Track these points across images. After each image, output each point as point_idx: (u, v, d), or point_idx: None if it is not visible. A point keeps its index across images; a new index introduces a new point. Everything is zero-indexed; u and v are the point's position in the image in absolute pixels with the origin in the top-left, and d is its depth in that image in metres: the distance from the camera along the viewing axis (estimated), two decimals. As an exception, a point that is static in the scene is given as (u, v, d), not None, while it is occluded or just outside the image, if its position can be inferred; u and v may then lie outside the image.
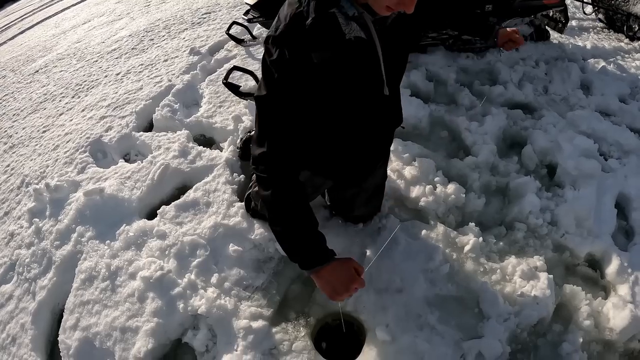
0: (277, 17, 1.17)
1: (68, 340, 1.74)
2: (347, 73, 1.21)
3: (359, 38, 1.13)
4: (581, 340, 1.55)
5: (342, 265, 1.27)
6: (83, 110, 3.46)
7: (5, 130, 3.81)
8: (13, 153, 3.33)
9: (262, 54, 1.19)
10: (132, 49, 4.49)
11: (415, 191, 2.05)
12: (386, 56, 1.23)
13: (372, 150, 1.55)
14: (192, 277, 1.79)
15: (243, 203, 2.01)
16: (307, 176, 1.50)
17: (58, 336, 1.79)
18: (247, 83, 2.60)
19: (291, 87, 1.16)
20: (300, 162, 1.30)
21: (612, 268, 1.78)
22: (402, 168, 2.17)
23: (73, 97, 3.86)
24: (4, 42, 8.20)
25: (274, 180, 1.23)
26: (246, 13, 4.00)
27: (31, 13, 10.28)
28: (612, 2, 3.99)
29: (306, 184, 1.37)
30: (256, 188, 1.76)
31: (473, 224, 1.91)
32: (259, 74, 1.26)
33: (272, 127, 1.21)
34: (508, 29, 1.70)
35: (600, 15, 4.20)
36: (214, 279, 1.78)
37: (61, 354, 1.73)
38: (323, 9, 1.09)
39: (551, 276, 1.68)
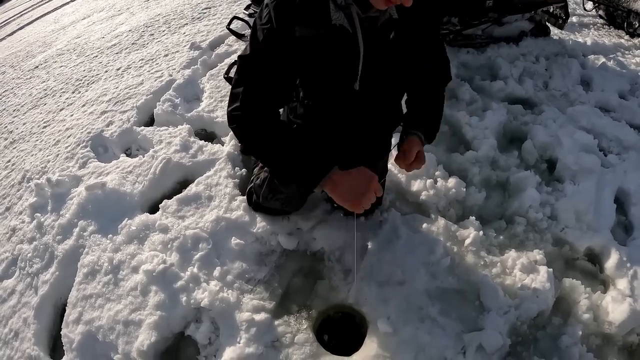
0: None
1: (71, 334, 1.75)
2: (323, 56, 1.24)
3: (343, 27, 1.16)
4: (580, 333, 1.56)
5: (355, 170, 1.28)
6: (84, 105, 3.46)
7: (6, 126, 3.80)
8: (14, 148, 3.32)
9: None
10: (133, 44, 4.47)
11: (416, 185, 2.06)
12: (369, 54, 1.24)
13: (356, 142, 1.54)
14: (195, 270, 1.80)
15: (245, 197, 2.02)
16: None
17: (61, 330, 1.79)
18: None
19: (272, 52, 1.21)
20: (276, 117, 1.31)
21: (611, 262, 1.79)
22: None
23: (73, 92, 3.85)
24: (3, 38, 8.16)
25: (249, 123, 1.25)
26: (247, 8, 4.00)
27: (30, 9, 10.23)
28: (613, -2, 4.00)
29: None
30: (258, 181, 1.77)
31: (473, 217, 1.92)
32: None
33: (249, 83, 1.24)
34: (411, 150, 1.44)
35: (601, 12, 4.20)
36: (216, 272, 1.78)
37: (64, 347, 1.74)
38: None
39: (551, 270, 1.69)
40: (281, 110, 1.59)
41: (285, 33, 1.18)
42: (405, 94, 1.58)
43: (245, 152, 1.34)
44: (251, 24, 4.05)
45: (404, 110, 1.61)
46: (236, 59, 1.30)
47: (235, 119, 1.27)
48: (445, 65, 1.54)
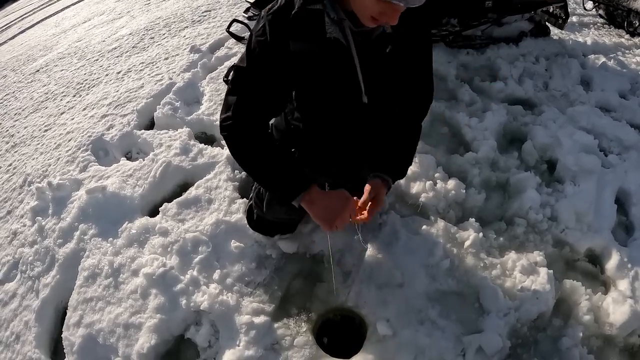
0: None
1: (72, 337, 1.75)
2: (320, 70, 1.25)
3: (338, 40, 1.17)
4: (581, 335, 1.56)
5: (334, 192, 1.32)
6: (84, 108, 3.47)
7: (7, 130, 3.82)
8: (15, 152, 3.34)
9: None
10: (133, 47, 4.48)
11: (415, 187, 2.05)
12: (366, 67, 1.25)
13: (355, 152, 1.55)
14: (195, 273, 1.80)
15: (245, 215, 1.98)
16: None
17: (62, 333, 1.80)
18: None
19: (266, 65, 1.22)
20: (265, 130, 1.33)
21: (612, 263, 1.79)
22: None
23: (74, 95, 3.86)
24: (5, 42, 8.19)
25: (238, 132, 1.27)
26: (246, 11, 4.00)
27: (31, 12, 10.27)
28: (613, -3, 3.99)
29: None
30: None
31: (473, 219, 1.91)
32: None
33: (242, 94, 1.26)
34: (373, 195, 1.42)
35: (601, 11, 4.19)
36: (216, 275, 1.79)
37: (65, 350, 1.75)
38: (307, 2, 1.15)
39: (551, 271, 1.69)
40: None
41: (279, 47, 1.19)
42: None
43: (235, 158, 1.36)
44: (251, 27, 4.06)
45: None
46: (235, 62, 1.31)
47: (225, 128, 1.29)
48: (429, 94, 1.53)
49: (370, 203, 1.41)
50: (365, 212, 1.39)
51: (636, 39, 3.73)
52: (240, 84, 1.27)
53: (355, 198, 1.37)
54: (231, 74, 1.33)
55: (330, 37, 1.17)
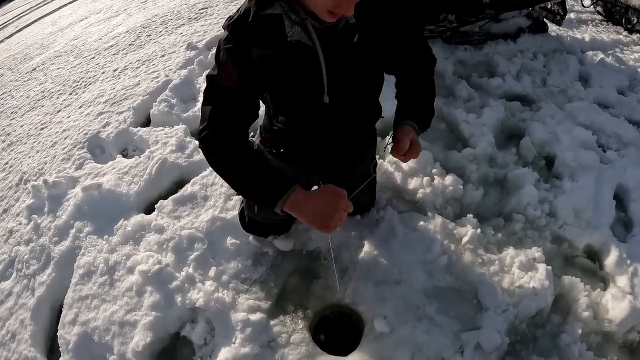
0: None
1: (67, 335, 1.74)
2: (286, 74, 1.24)
3: (300, 42, 1.16)
4: (580, 331, 1.55)
5: (320, 189, 1.26)
6: (81, 106, 3.45)
7: (3, 128, 3.80)
8: (11, 151, 3.32)
9: None
10: (129, 45, 4.47)
11: (413, 183, 2.04)
12: (332, 64, 1.23)
13: (337, 149, 1.53)
14: (190, 270, 1.79)
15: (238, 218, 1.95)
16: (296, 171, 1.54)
17: (57, 331, 1.79)
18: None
19: (234, 72, 1.20)
20: (243, 137, 1.30)
21: (610, 259, 1.78)
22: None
23: (71, 94, 3.85)
24: (1, 41, 8.16)
25: (215, 142, 1.25)
26: (243, 8, 3.97)
27: (28, 11, 10.23)
28: (611, -6, 3.98)
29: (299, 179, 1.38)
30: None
31: (471, 215, 1.90)
32: None
33: (215, 103, 1.24)
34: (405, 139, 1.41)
35: (599, 8, 4.18)
36: (211, 272, 1.77)
37: (60, 349, 1.74)
38: (259, 9, 1.14)
39: (549, 267, 1.67)
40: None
41: (243, 54, 1.18)
42: (394, 87, 1.56)
43: (213, 168, 1.34)
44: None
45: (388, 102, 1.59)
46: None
47: (203, 139, 1.26)
48: (427, 51, 1.51)
49: (408, 149, 1.39)
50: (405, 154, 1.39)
51: (634, 36, 3.72)
52: (213, 92, 1.26)
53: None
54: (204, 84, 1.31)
55: (291, 40, 1.15)
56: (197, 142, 2.48)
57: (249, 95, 1.27)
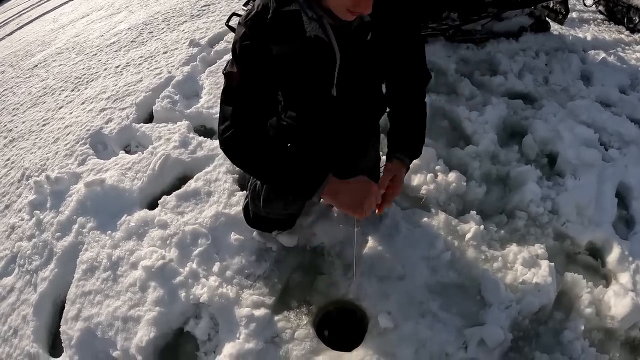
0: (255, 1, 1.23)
1: (70, 330, 1.74)
2: (301, 68, 1.26)
3: (319, 37, 1.18)
4: (582, 328, 1.55)
5: (354, 178, 1.32)
6: (83, 103, 3.45)
7: (5, 125, 3.80)
8: (13, 147, 3.32)
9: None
10: (132, 41, 4.46)
11: (416, 179, 2.05)
12: (346, 59, 1.26)
13: (340, 143, 1.55)
14: (194, 266, 1.79)
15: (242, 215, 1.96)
16: None
17: (60, 327, 1.78)
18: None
19: (253, 69, 1.23)
20: (266, 132, 1.33)
21: (613, 256, 1.78)
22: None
23: (72, 90, 3.84)
24: (3, 38, 8.14)
25: (242, 139, 1.26)
26: (245, 4, 3.97)
27: (29, 8, 10.20)
28: (613, -7, 3.98)
29: None
30: (258, 184, 1.76)
31: (474, 212, 1.90)
32: None
33: (237, 101, 1.26)
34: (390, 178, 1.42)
35: (601, 7, 4.18)
36: (215, 267, 1.78)
37: (63, 344, 1.74)
38: (281, 5, 1.16)
39: (552, 264, 1.68)
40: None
41: (262, 51, 1.20)
42: (386, 104, 1.58)
43: (241, 168, 1.36)
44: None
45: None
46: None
47: (227, 139, 1.27)
48: (423, 67, 1.53)
49: (386, 189, 1.40)
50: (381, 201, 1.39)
51: (636, 35, 3.72)
52: (233, 91, 1.27)
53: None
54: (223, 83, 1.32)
55: (310, 35, 1.17)
56: (200, 138, 2.49)
57: (269, 91, 1.29)
